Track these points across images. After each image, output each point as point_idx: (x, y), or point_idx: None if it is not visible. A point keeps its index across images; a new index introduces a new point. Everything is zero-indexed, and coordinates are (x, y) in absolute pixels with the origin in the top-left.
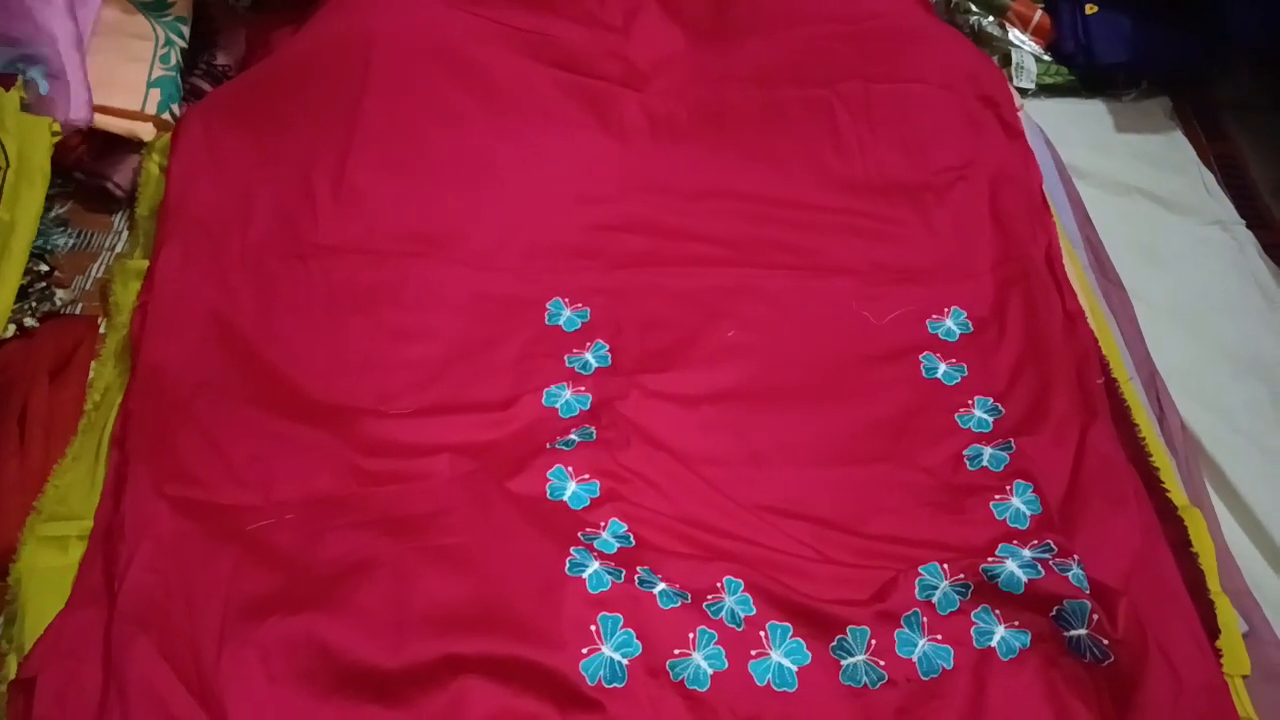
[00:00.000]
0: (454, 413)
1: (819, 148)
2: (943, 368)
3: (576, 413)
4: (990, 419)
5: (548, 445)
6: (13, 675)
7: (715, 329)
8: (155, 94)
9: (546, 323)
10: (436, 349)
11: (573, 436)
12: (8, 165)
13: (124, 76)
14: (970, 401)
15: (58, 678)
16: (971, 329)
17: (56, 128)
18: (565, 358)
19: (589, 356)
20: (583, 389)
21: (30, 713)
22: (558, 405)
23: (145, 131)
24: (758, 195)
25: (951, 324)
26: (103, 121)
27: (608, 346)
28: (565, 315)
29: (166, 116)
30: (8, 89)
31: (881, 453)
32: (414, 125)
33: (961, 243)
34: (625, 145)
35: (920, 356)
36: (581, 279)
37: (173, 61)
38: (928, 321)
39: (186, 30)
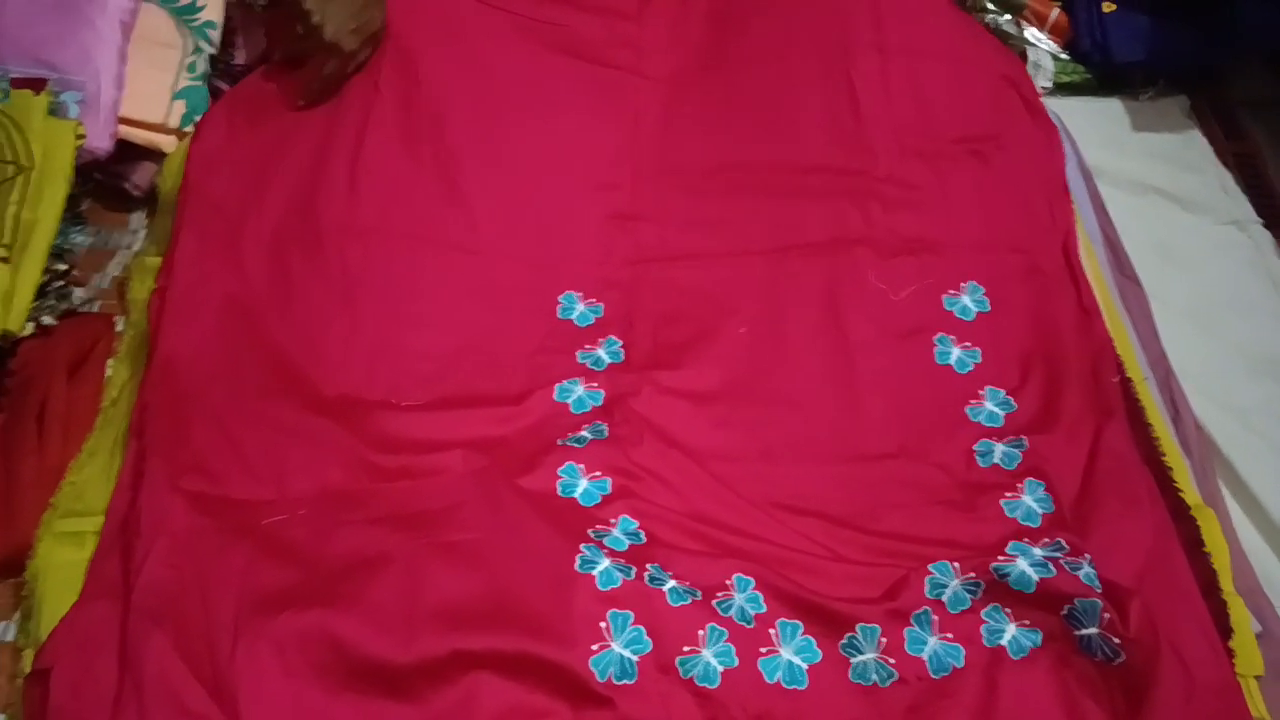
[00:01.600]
0: (466, 407)
1: (837, 116)
2: (956, 352)
3: (589, 409)
4: (1001, 413)
5: (559, 442)
6: (29, 669)
7: (728, 324)
8: (179, 105)
9: (559, 316)
10: (448, 340)
11: (585, 433)
12: (32, 166)
13: (147, 87)
14: (981, 392)
15: (73, 670)
16: (989, 307)
17: (82, 131)
18: (577, 354)
19: (601, 353)
20: (595, 385)
21: (46, 705)
22: (570, 401)
23: (167, 144)
24: (775, 164)
25: (968, 300)
26: (124, 132)
27: (621, 342)
28: (579, 310)
29: (190, 129)
30: (37, 93)
31: (892, 449)
32: (427, 112)
33: (980, 215)
34: (639, 133)
35: (934, 338)
36: (595, 272)
37: (199, 70)
38: (944, 297)
39: (216, 35)
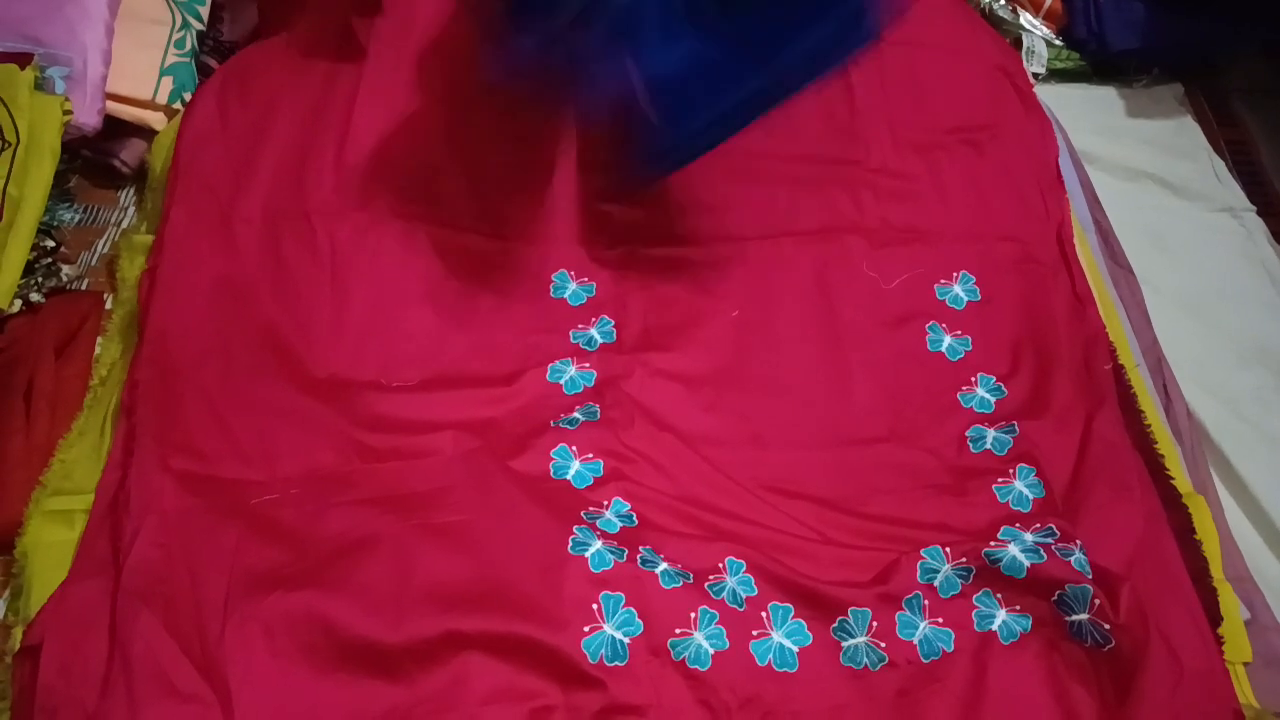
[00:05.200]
0: (457, 387)
1: (832, 105)
2: (948, 340)
3: (581, 389)
4: (992, 399)
5: (552, 423)
6: (18, 647)
7: (720, 307)
8: (167, 82)
9: (552, 295)
10: (439, 319)
11: (577, 415)
12: (18, 142)
13: (136, 63)
14: (973, 379)
15: (62, 648)
16: (980, 296)
17: (69, 106)
18: (570, 333)
19: (594, 332)
20: (587, 365)
21: (35, 682)
22: (562, 381)
23: (156, 121)
24: (768, 152)
25: (959, 290)
26: (113, 109)
27: (613, 322)
28: (571, 288)
29: (178, 106)
30: (23, 68)
31: (884, 433)
32: (417, 92)
33: (972, 206)
34: None
35: (926, 326)
36: (587, 252)
37: (187, 46)
38: (936, 286)
39: (204, 11)
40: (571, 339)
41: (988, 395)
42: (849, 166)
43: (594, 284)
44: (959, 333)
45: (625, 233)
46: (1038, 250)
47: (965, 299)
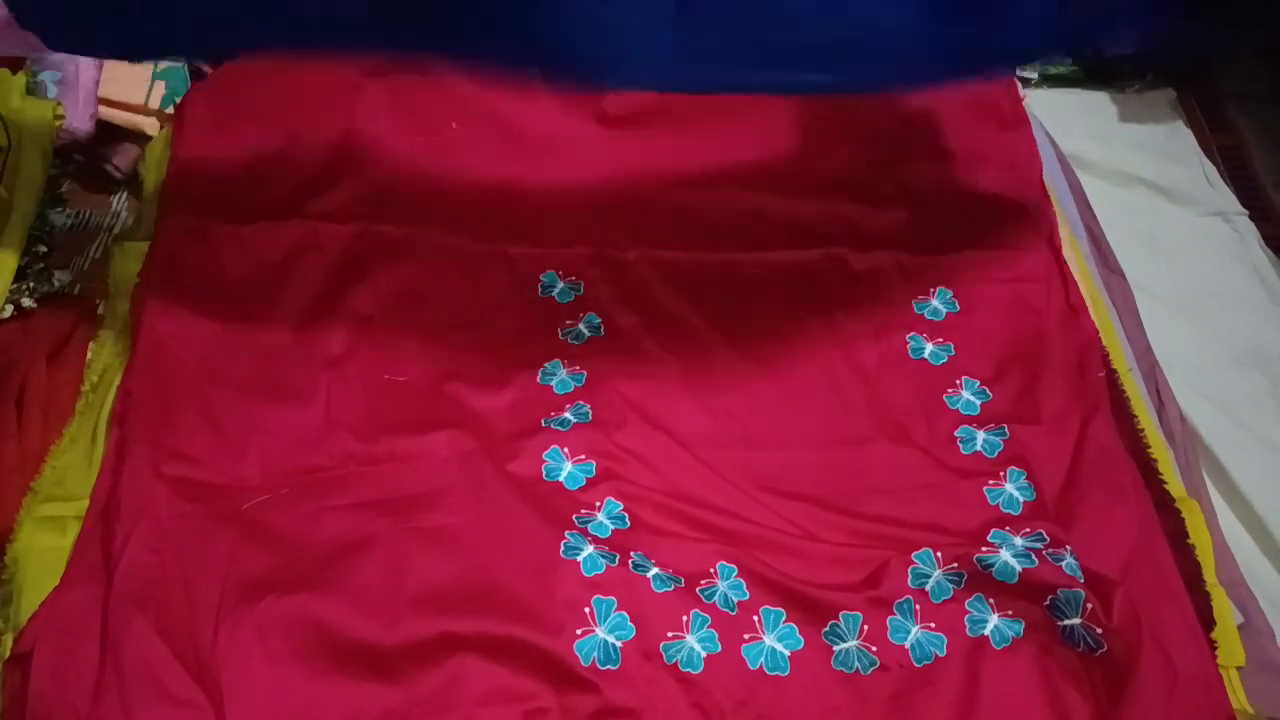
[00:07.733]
0: (450, 389)
1: (809, 122)
2: (929, 348)
3: (571, 389)
4: (978, 402)
5: (543, 422)
6: (9, 654)
7: (706, 310)
8: (160, 87)
9: (540, 294)
10: (433, 322)
11: (568, 416)
12: (10, 146)
13: (129, 68)
14: (958, 381)
15: (54, 654)
16: (958, 308)
17: (61, 110)
18: (559, 330)
19: (581, 327)
20: (578, 368)
21: (26, 689)
22: (553, 383)
23: (149, 125)
24: (751, 166)
25: (938, 303)
26: (106, 113)
27: (600, 319)
28: (559, 287)
29: (171, 111)
30: (15, 72)
31: (873, 434)
32: (415, 102)
33: (957, 220)
34: (620, 131)
35: (907, 336)
36: (574, 253)
37: None
38: (913, 302)
39: None
40: (560, 335)
41: (973, 398)
42: (827, 184)
43: (581, 282)
44: (940, 340)
45: (612, 237)
46: (1029, 261)
47: (944, 310)
